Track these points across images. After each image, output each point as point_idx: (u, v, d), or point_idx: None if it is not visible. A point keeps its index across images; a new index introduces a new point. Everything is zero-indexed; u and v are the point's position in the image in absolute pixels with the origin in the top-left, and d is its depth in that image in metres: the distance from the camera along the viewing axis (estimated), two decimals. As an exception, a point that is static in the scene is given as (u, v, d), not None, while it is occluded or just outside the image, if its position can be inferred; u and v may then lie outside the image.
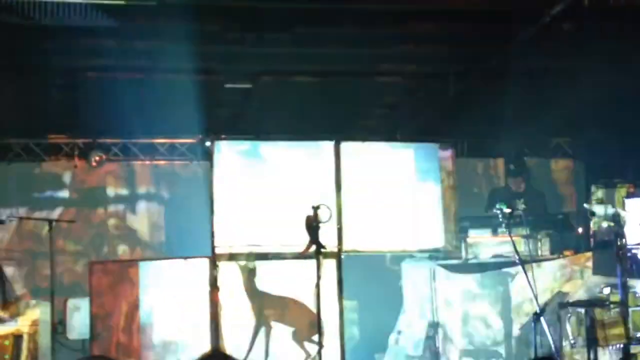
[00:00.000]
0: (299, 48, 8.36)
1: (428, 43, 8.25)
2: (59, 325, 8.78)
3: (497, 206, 7.91)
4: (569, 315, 7.76)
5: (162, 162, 10.36)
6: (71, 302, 8.92)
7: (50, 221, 8.91)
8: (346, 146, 9.31)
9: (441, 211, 9.28)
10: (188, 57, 8.16)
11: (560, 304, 7.99)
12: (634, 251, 7.85)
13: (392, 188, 9.31)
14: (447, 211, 9.24)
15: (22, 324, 7.06)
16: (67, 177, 10.22)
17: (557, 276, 8.47)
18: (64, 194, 10.19)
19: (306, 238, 7.08)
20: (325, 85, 9.18)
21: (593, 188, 8.79)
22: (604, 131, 9.83)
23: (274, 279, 8.93)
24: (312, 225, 7.07)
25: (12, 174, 10.10)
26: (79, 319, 8.85)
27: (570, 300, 8.05)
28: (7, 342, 6.82)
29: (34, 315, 7.68)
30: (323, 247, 7.08)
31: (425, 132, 9.77)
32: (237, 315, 8.83)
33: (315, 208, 7.15)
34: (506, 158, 9.73)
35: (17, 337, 6.88)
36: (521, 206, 8.61)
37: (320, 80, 9.11)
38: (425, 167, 9.40)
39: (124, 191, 10.34)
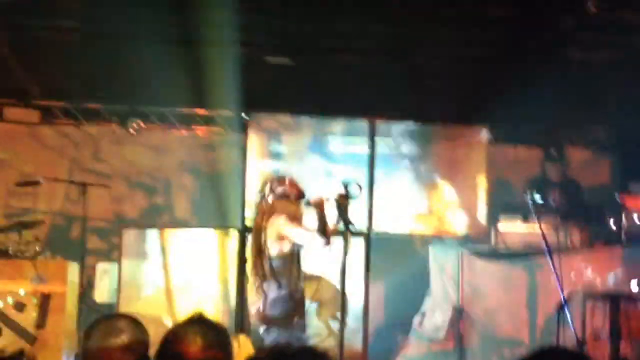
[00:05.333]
0: (342, 25, 8.34)
1: (468, 26, 8.19)
2: (87, 288, 8.92)
3: (529, 194, 7.88)
4: (594, 307, 7.71)
5: (198, 132, 10.42)
6: (101, 266, 9.05)
7: (84, 184, 9.00)
8: (380, 126, 9.33)
9: (473, 197, 9.27)
10: (229, 28, 8.17)
11: (586, 296, 7.94)
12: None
13: (425, 171, 9.32)
14: (478, 197, 9.22)
15: (50, 283, 7.13)
16: (104, 143, 10.30)
17: (585, 268, 8.40)
18: (101, 159, 10.27)
19: (335, 215, 7.10)
20: (364, 64, 9.16)
21: (632, 186, 8.75)
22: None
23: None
24: (341, 202, 7.08)
25: (51, 136, 10.21)
26: (107, 282, 8.97)
27: (597, 293, 8.00)
28: (34, 300, 6.93)
29: (63, 276, 7.77)
30: (351, 224, 7.09)
31: (461, 116, 9.71)
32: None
33: (345, 185, 7.16)
34: (546, 145, 9.64)
35: (45, 296, 6.97)
36: (558, 195, 8.56)
37: (359, 58, 9.08)
38: (459, 151, 9.38)
39: (159, 159, 10.41)
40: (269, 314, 6.63)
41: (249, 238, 8.78)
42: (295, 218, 6.81)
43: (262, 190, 6.96)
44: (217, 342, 3.34)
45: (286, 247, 6.74)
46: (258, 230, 6.83)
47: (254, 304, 6.78)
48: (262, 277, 6.71)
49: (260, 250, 6.76)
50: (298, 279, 6.82)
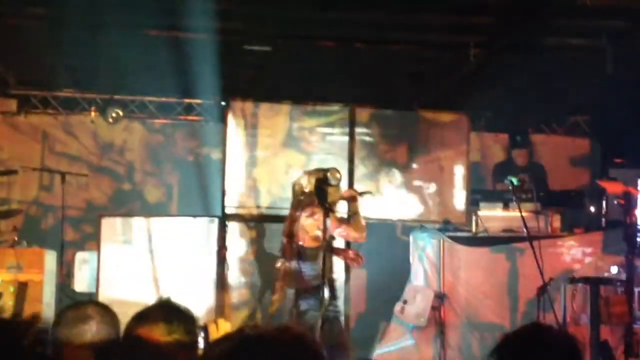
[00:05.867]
0: (321, 12, 8.29)
1: (450, 12, 8.15)
2: (66, 277, 8.85)
3: (508, 178, 7.89)
4: (574, 291, 7.73)
5: (177, 120, 10.38)
6: (79, 255, 8.98)
7: (62, 173, 8.95)
8: (361, 113, 9.31)
9: (453, 182, 9.27)
10: (208, 16, 8.11)
11: (567, 280, 7.96)
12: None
13: (405, 157, 9.31)
14: (459, 183, 9.22)
15: (27, 272, 7.08)
16: (83, 132, 10.25)
17: (566, 253, 8.42)
18: (80, 148, 10.22)
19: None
20: (344, 51, 9.12)
21: (611, 171, 8.77)
22: (623, 111, 9.73)
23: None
24: (321, 187, 7.08)
25: (29, 126, 10.15)
26: (86, 271, 8.90)
27: (577, 278, 8.01)
28: (11, 289, 6.86)
29: (40, 264, 7.72)
30: (330, 210, 7.09)
31: (442, 103, 9.70)
32: (243, 275, 8.89)
33: (325, 171, 7.17)
34: (512, 130, 9.72)
35: (22, 284, 6.91)
36: (524, 179, 8.58)
37: (339, 46, 9.04)
38: (440, 138, 9.37)
39: (138, 148, 10.38)
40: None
41: (229, 225, 8.82)
42: (331, 210, 6.96)
43: (299, 181, 7.14)
44: (181, 327, 3.36)
45: (318, 237, 6.85)
46: (293, 218, 7.03)
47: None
48: (289, 260, 6.95)
49: (291, 236, 6.97)
50: (330, 267, 6.98)
